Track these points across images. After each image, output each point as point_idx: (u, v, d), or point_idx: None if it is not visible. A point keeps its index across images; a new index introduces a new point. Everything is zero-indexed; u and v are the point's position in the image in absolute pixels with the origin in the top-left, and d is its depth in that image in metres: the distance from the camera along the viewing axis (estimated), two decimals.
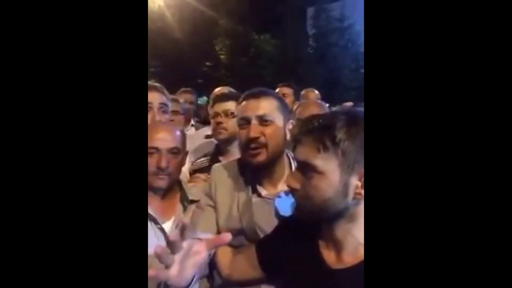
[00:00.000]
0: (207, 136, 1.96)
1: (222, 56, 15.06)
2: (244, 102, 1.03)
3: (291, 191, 0.71)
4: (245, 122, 1.00)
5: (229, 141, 1.53)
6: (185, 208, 1.13)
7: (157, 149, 1.09)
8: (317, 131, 0.66)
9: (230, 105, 1.53)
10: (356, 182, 0.66)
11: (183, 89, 2.87)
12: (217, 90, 2.07)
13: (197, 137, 2.03)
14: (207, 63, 14.86)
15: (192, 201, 1.15)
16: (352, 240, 0.69)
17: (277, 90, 2.63)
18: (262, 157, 0.97)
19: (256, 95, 1.02)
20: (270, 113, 0.98)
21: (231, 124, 1.51)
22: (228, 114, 1.51)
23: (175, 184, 1.16)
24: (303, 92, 2.65)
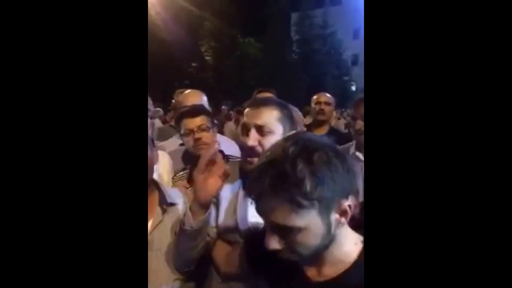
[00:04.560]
0: (182, 144, 1.88)
1: (208, 58, 15.07)
2: (247, 109, 1.07)
3: (273, 252, 0.65)
4: (246, 129, 1.04)
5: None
6: (164, 211, 1.07)
7: None
8: (283, 191, 0.59)
9: (202, 120, 1.52)
10: (335, 216, 0.63)
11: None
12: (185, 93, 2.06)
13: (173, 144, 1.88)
14: (193, 64, 14.80)
15: (171, 204, 1.09)
16: (332, 257, 0.69)
17: (315, 97, 2.52)
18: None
19: (258, 104, 1.05)
20: (269, 124, 1.01)
21: (209, 138, 1.52)
22: (204, 129, 1.51)
23: (151, 185, 1.10)
24: (315, 96, 2.53)
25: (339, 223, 0.64)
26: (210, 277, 1.09)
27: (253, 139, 1.00)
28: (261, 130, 1.01)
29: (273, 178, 0.60)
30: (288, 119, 1.06)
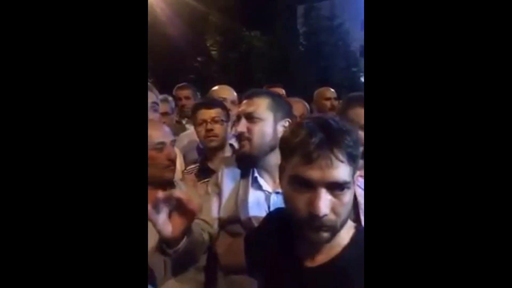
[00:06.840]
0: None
1: (213, 52, 14.96)
2: (243, 101, 1.14)
3: (321, 217, 0.64)
4: (238, 118, 1.12)
5: (220, 147, 1.56)
6: None
7: (162, 143, 1.18)
8: (338, 144, 0.62)
9: (217, 112, 1.56)
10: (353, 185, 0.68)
11: (178, 85, 2.65)
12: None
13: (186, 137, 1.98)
14: (199, 59, 14.73)
15: None
16: (331, 242, 0.70)
17: (317, 91, 2.66)
18: (245, 148, 1.08)
19: (250, 95, 1.13)
20: (259, 111, 1.07)
21: (221, 131, 1.55)
22: (217, 121, 1.53)
23: (168, 182, 1.21)
24: (318, 90, 2.68)
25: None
26: (214, 269, 1.12)
27: (241, 125, 1.07)
28: (250, 117, 1.07)
29: (324, 132, 0.63)
30: (281, 108, 1.11)
